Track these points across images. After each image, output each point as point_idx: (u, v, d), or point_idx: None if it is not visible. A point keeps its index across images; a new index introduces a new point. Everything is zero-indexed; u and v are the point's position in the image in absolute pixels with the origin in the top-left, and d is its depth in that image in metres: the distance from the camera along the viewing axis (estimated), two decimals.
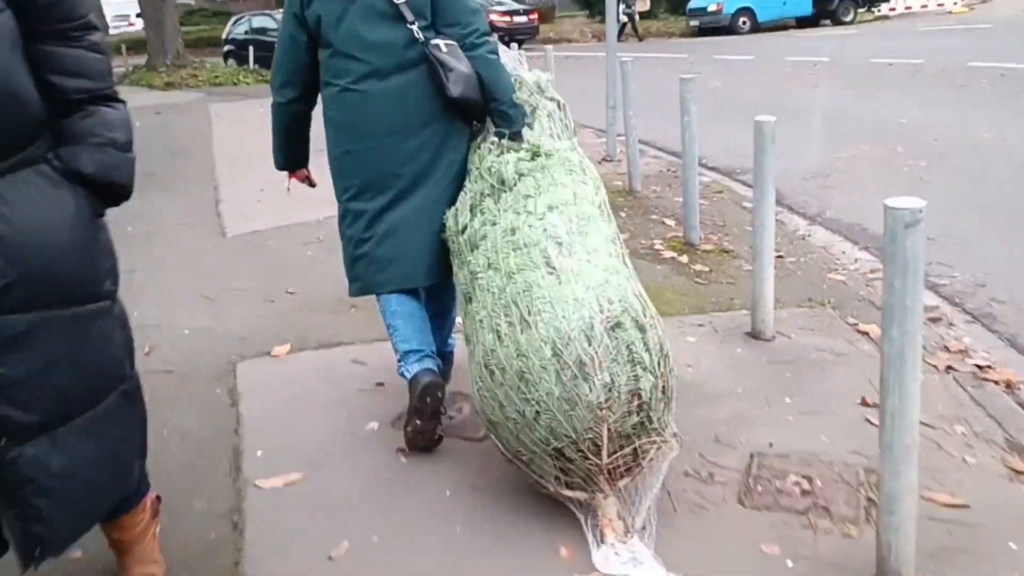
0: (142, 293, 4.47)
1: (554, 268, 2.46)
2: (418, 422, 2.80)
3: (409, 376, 2.83)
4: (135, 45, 26.12)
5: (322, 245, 5.25)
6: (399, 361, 2.90)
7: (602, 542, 2.34)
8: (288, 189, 3.34)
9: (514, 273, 2.51)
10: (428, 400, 2.78)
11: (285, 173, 3.25)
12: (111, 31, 38.88)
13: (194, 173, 8.07)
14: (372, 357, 3.69)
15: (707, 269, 4.81)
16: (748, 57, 16.83)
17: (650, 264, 4.86)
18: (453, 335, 3.26)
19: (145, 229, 5.92)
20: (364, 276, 2.97)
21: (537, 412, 2.31)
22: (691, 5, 25.08)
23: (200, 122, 12.44)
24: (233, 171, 7.87)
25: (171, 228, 6.15)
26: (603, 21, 28.02)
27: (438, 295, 3.13)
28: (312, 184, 3.29)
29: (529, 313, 2.39)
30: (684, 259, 4.98)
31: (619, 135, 7.69)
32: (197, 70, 20.10)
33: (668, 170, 7.43)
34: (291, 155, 3.15)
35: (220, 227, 6.12)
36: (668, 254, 5.10)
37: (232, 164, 8.33)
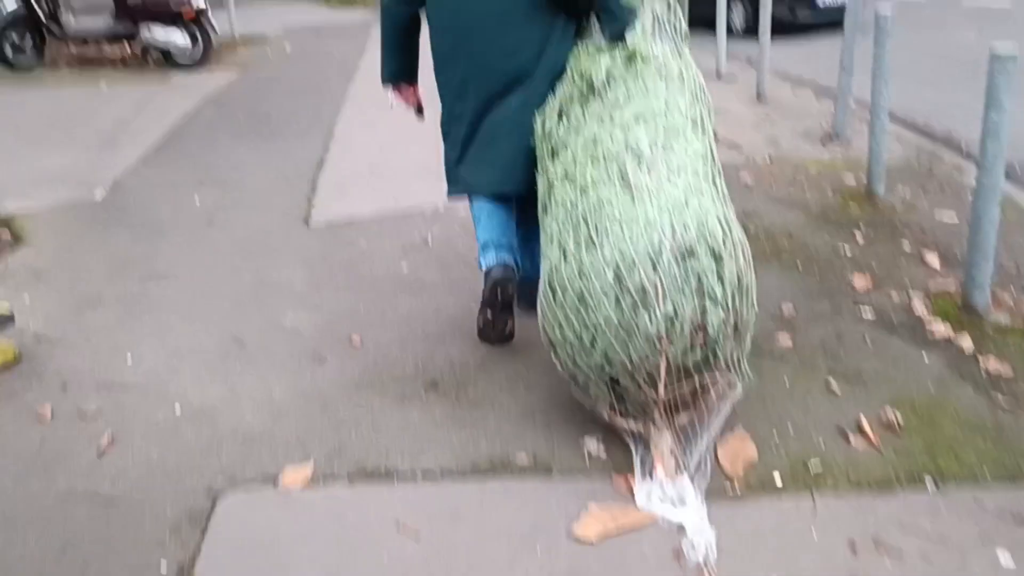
0: (150, 320, 3.48)
1: (629, 185, 2.30)
2: (489, 314, 2.87)
3: (484, 267, 2.89)
4: None
5: (425, 256, 4.06)
6: (479, 251, 2.94)
7: (651, 477, 2.24)
8: (392, 106, 3.29)
9: (588, 187, 2.37)
10: (499, 292, 2.84)
11: (391, 93, 3.16)
12: None
13: (310, 122, 7.02)
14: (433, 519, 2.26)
15: (1009, 373, 2.87)
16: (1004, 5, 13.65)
17: (907, 347, 3.06)
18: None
19: (211, 201, 5.03)
20: (462, 179, 2.95)
21: (594, 337, 2.21)
22: None
23: (353, 46, 11.24)
24: (357, 122, 6.87)
25: (246, 202, 5.00)
26: None
27: (527, 208, 2.93)
28: (420, 111, 3.17)
29: (596, 232, 2.26)
30: (965, 343, 3.07)
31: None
32: None
33: (920, 160, 5.37)
34: (398, 65, 3.05)
35: (307, 209, 4.85)
36: (936, 328, 3.20)
37: (360, 112, 7.34)
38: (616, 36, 2.67)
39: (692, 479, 2.23)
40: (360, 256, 4.05)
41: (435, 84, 2.93)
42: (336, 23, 14.63)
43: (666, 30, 2.77)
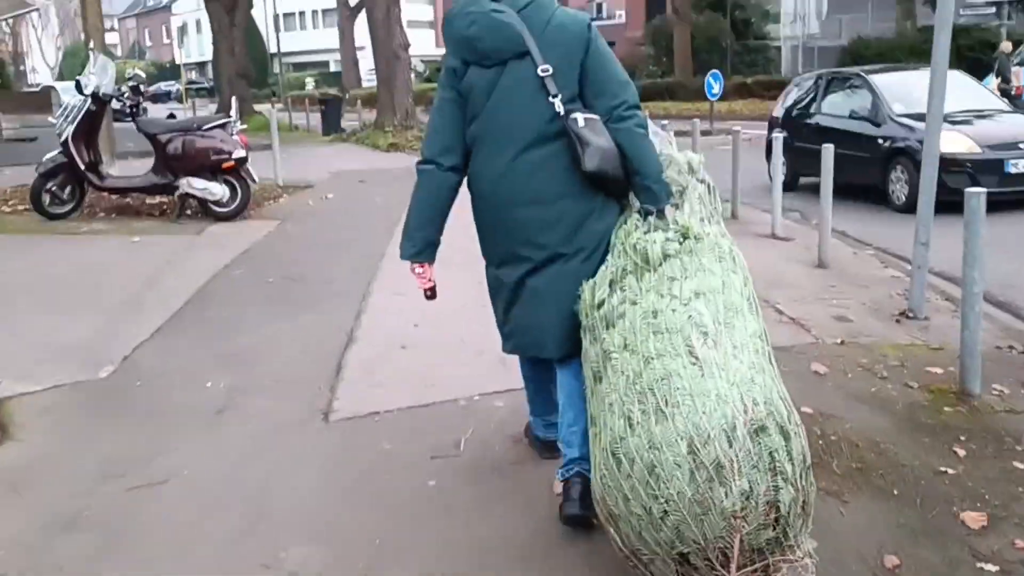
0: (131, 553, 3.06)
1: (697, 358, 2.39)
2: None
3: (535, 434, 3.50)
4: (372, 101, 26.06)
5: (455, 466, 3.64)
6: (530, 412, 3.45)
7: None
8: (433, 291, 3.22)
9: (653, 358, 2.45)
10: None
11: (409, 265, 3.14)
12: (363, 83, 40.19)
13: (345, 285, 6.69)
14: None
15: None
16: None
17: None
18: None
19: (226, 383, 4.63)
20: (512, 337, 3.10)
21: (665, 511, 2.24)
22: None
23: (397, 196, 10.95)
24: (393, 287, 6.36)
25: (263, 387, 4.57)
26: None
27: (567, 380, 3.06)
28: (433, 293, 3.17)
29: (667, 404, 2.32)
30: None
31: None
32: (424, 131, 19.02)
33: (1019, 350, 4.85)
34: (428, 238, 3.07)
35: (329, 397, 4.39)
36: None
37: (397, 275, 6.77)
38: (659, 214, 2.83)
39: None
40: (382, 462, 3.68)
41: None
42: (383, 168, 14.74)
43: (709, 211, 2.93)
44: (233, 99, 10.23)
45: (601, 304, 2.74)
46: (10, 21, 57.48)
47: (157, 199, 9.82)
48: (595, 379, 2.65)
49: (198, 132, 9.16)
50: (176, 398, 4.38)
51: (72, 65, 73.35)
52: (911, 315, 5.55)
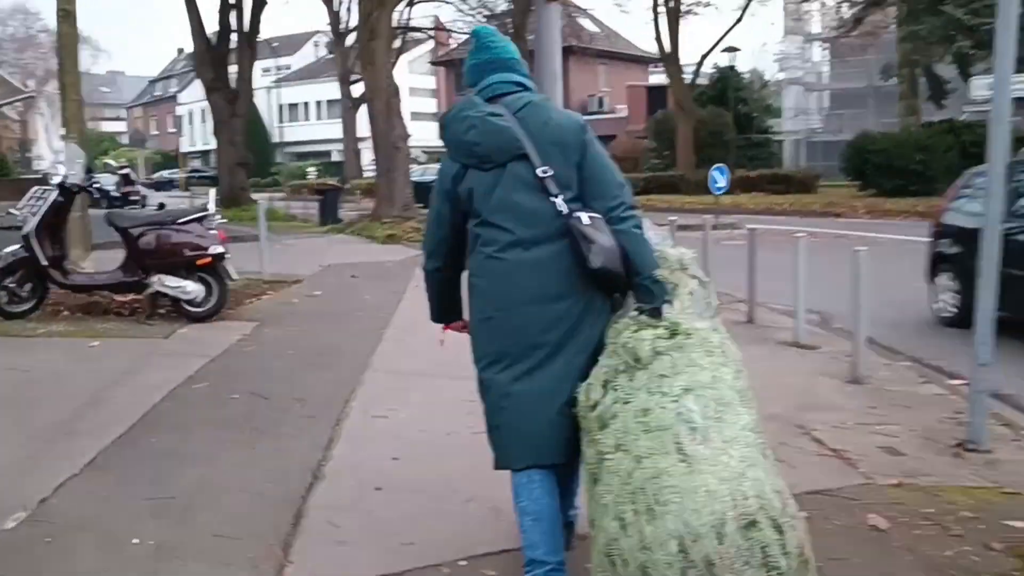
0: None
1: (686, 455, 2.48)
2: None
3: None
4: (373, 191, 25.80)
5: None
6: (525, 565, 3.02)
7: None
8: (442, 342, 3.49)
9: (644, 457, 2.52)
10: None
11: (440, 329, 3.46)
12: (364, 173, 40.24)
13: (319, 401, 5.96)
14: None
15: None
16: None
17: None
18: (577, 502, 3.32)
19: (154, 541, 3.81)
20: (502, 447, 3.08)
21: None
22: None
23: (389, 293, 10.31)
24: (375, 408, 5.76)
25: (199, 548, 3.76)
26: (879, 194, 25.23)
27: (572, 468, 3.15)
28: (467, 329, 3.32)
29: (657, 503, 2.39)
30: None
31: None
32: (423, 223, 18.30)
33: None
34: (444, 310, 3.38)
35: (281, 560, 3.63)
36: None
37: (381, 393, 6.28)
38: (654, 313, 2.93)
39: None
40: None
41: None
42: (377, 261, 14.24)
43: (701, 306, 3.02)
44: (212, 191, 9.56)
45: (595, 405, 2.81)
46: (20, 107, 57.97)
47: (129, 296, 9.04)
48: (593, 482, 2.71)
49: (173, 226, 8.56)
50: (88, 564, 3.54)
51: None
52: (971, 447, 4.80)
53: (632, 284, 2.99)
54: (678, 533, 2.30)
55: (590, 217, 2.91)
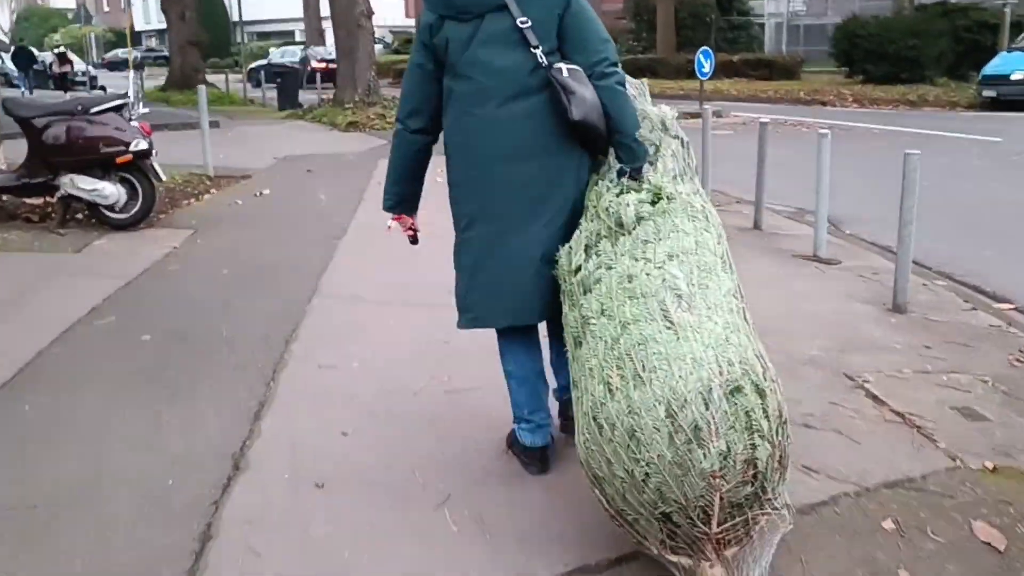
0: None
1: (672, 323, 2.53)
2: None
3: (521, 443, 3.26)
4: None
5: None
6: (514, 419, 3.28)
7: None
8: (389, 227, 3.45)
9: (629, 324, 2.58)
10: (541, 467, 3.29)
11: (391, 219, 3.42)
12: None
13: (251, 344, 4.80)
14: None
15: None
16: None
17: None
18: None
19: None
20: (477, 308, 3.14)
21: (647, 474, 2.42)
22: (986, 71, 21.55)
23: (347, 191, 9.33)
24: (328, 345, 4.76)
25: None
26: (867, 81, 24.02)
27: (559, 339, 3.26)
28: (415, 239, 3.40)
29: (644, 369, 2.45)
30: None
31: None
32: (387, 109, 16.75)
33: None
34: (403, 193, 3.30)
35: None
36: None
37: (336, 324, 5.24)
38: (635, 174, 2.97)
39: None
40: None
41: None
42: (337, 152, 13.31)
43: (680, 167, 3.05)
44: (132, 73, 8.03)
45: (578, 269, 2.89)
46: None
47: (44, 199, 7.76)
48: (575, 344, 2.80)
49: (85, 117, 7.14)
50: None
51: (26, 29, 70.14)
52: None
53: (613, 143, 3.03)
54: (665, 399, 2.38)
55: (569, 69, 2.92)
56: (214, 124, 17.94)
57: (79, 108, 7.66)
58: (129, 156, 7.51)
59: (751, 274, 4.89)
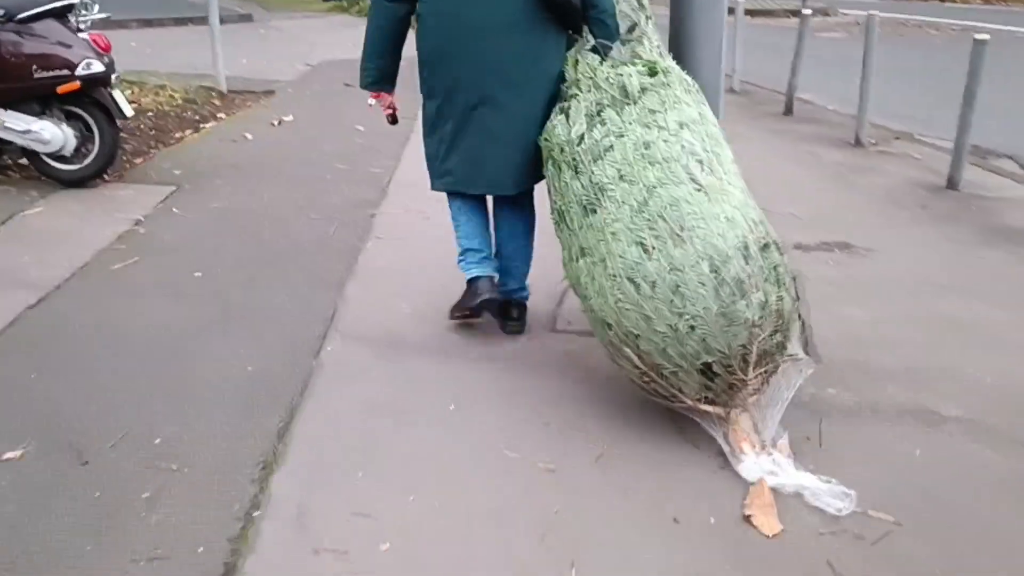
0: None
1: (701, 185, 2.52)
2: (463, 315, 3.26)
3: (468, 275, 3.24)
4: None
5: None
6: (459, 256, 3.28)
7: (741, 454, 2.49)
8: (370, 104, 3.31)
9: (656, 187, 2.54)
10: (482, 311, 3.26)
11: (371, 96, 3.23)
12: None
13: (249, 398, 3.00)
14: None
15: None
16: None
17: None
18: (527, 282, 3.35)
19: None
20: (456, 173, 3.09)
21: (691, 327, 2.40)
22: None
23: (393, 130, 6.35)
24: (333, 460, 2.68)
25: None
26: None
27: (514, 215, 3.23)
28: (394, 119, 3.29)
29: (682, 229, 2.44)
30: None
31: None
32: None
33: None
34: (384, 68, 3.11)
35: None
36: None
37: (365, 348, 3.44)
38: (607, 47, 2.91)
39: (780, 451, 2.51)
40: None
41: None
42: None
43: (658, 47, 3.02)
44: None
45: (581, 139, 2.76)
46: None
47: None
48: (585, 212, 2.68)
49: (10, 27, 4.84)
50: None
51: None
52: None
53: (591, 19, 2.93)
54: (708, 255, 2.38)
55: None
56: (246, 18, 15.36)
57: (3, 15, 4.84)
58: (76, 84, 4.83)
59: None
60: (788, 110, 8.35)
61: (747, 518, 2.29)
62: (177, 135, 6.54)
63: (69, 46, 4.90)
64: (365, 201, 5.07)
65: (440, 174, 3.14)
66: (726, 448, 2.50)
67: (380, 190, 5.33)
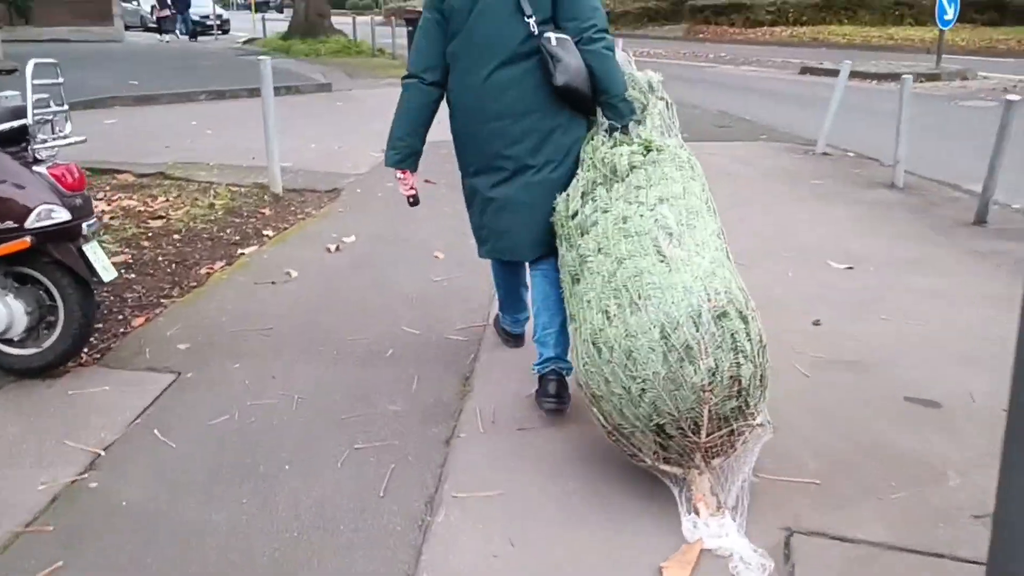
0: None
1: (664, 256, 2.62)
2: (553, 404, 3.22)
3: (503, 327, 3.85)
4: None
5: None
6: (500, 308, 3.81)
7: (695, 515, 2.53)
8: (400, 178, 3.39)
9: (625, 259, 2.67)
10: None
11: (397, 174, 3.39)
12: None
13: None
14: None
15: None
16: None
17: None
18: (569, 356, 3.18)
19: None
20: (488, 242, 3.33)
21: (643, 389, 2.49)
22: None
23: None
24: None
25: None
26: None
27: (545, 283, 3.29)
28: (416, 200, 3.41)
29: (639, 297, 2.55)
30: None
31: None
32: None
33: None
34: (412, 147, 3.28)
35: None
36: None
37: None
38: (622, 130, 3.08)
39: (733, 517, 2.53)
40: None
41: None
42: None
43: (666, 124, 3.16)
44: (30, 64, 4.02)
45: (575, 215, 2.96)
46: None
47: None
48: (573, 281, 2.87)
49: None
50: None
51: None
52: None
53: (602, 103, 3.10)
54: (659, 322, 2.47)
55: (558, 38, 2.98)
56: (324, 87, 14.15)
57: None
58: (24, 242, 3.34)
59: None
60: (980, 219, 6.19)
61: (660, 570, 2.34)
62: (204, 270, 4.94)
63: (19, 187, 3.40)
64: (438, 409, 3.36)
65: (480, 242, 3.40)
66: (681, 508, 2.56)
67: (461, 378, 3.65)
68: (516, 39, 3.01)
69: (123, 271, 4.81)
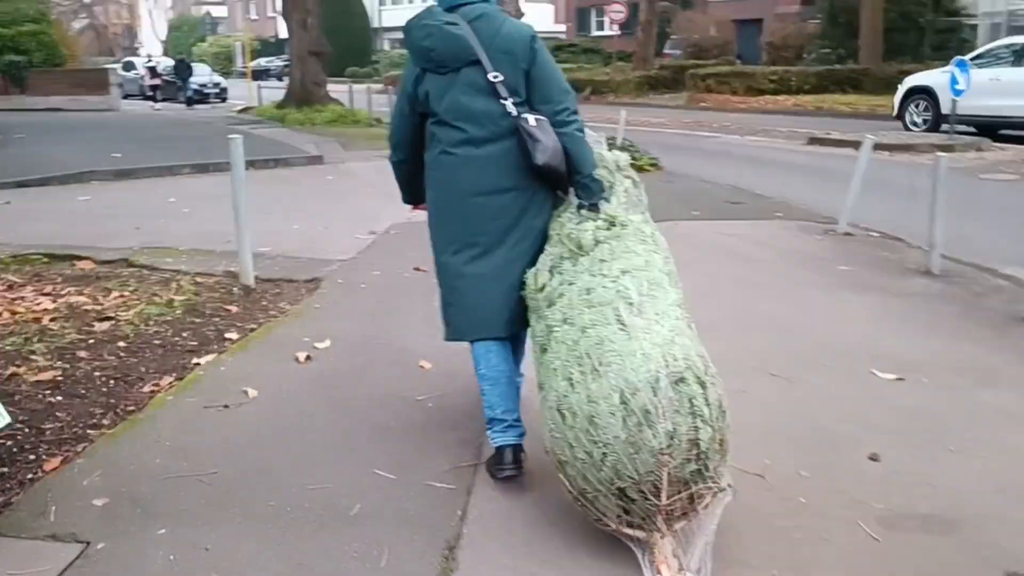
0: None
1: (625, 325, 2.70)
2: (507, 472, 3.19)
3: (494, 445, 3.26)
4: None
5: None
6: (487, 423, 3.29)
7: None
8: (412, 209, 3.70)
9: (588, 328, 2.76)
10: (506, 475, 3.19)
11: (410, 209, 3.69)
12: None
13: None
14: None
15: None
16: None
17: None
18: (522, 370, 3.49)
19: None
20: (455, 323, 3.33)
21: (604, 454, 2.55)
22: None
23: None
24: None
25: None
26: None
27: (519, 341, 3.43)
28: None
29: (600, 364, 2.63)
30: None
31: None
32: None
33: None
34: (412, 194, 3.57)
35: None
36: None
37: None
38: (592, 207, 3.18)
39: None
40: None
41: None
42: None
43: (632, 201, 3.28)
44: None
45: (543, 287, 3.06)
46: None
47: None
48: (541, 351, 2.95)
49: None
50: None
51: (177, 38, 69.23)
52: None
53: (573, 181, 3.21)
54: (619, 388, 2.55)
55: (536, 119, 3.08)
56: (315, 160, 13.57)
57: None
58: None
59: None
60: None
61: None
62: (148, 387, 4.14)
63: None
64: None
65: (445, 324, 3.39)
66: (646, 571, 2.57)
67: (444, 549, 2.88)
68: (494, 117, 3.13)
69: (48, 392, 4.05)
